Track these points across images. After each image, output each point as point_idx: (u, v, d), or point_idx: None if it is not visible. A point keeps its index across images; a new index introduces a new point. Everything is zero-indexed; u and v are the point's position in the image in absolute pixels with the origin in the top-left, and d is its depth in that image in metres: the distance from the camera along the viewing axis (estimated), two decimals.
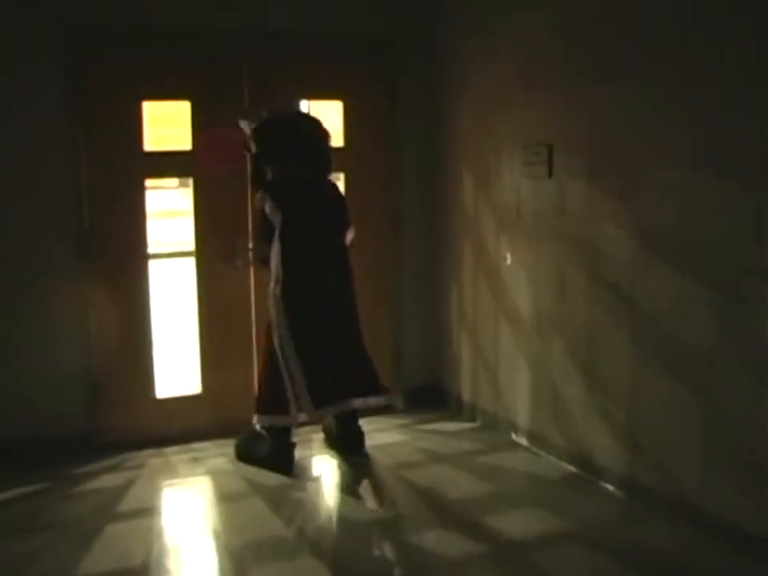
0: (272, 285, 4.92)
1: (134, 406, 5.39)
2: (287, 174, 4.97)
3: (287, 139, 4.96)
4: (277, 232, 4.86)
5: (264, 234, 4.99)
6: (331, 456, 5.23)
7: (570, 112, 4.68)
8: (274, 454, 4.96)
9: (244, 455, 5.09)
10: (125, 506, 4.53)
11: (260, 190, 4.98)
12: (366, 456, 5.15)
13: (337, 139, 5.89)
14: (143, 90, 5.33)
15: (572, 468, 4.81)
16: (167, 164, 5.56)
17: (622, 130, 4.32)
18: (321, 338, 4.92)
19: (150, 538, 4.15)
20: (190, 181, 5.62)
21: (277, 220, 4.84)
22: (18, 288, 5.04)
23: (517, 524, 4.15)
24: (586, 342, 4.66)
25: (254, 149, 5.05)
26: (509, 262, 5.27)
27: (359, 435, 5.19)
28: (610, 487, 4.51)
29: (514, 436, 5.32)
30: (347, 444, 5.20)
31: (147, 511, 4.46)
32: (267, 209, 4.87)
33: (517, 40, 5.09)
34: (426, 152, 6.02)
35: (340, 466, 5.11)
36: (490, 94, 5.39)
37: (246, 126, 5.07)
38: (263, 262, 5.08)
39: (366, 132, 5.90)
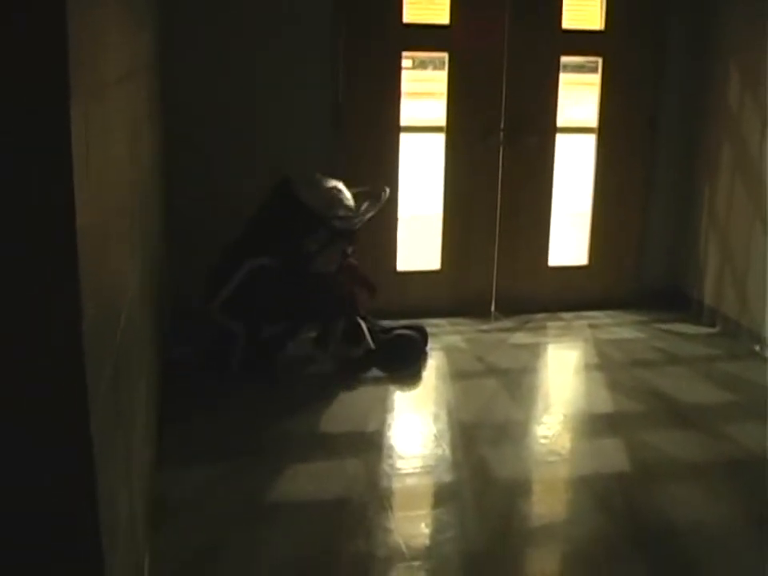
0: None
1: (376, 278, 5.22)
2: None
3: None
4: None
5: None
6: None
7: None
8: None
9: None
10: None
11: None
12: None
13: (596, 21, 5.67)
14: None
15: None
16: (424, 37, 5.53)
17: None
18: None
19: (384, 406, 4.35)
20: (443, 58, 5.55)
21: None
22: (277, 155, 5.17)
23: (756, 436, 4.02)
24: None
25: None
26: None
27: None
28: None
29: (757, 348, 5.11)
30: None
31: (382, 380, 4.63)
32: None
33: None
34: (691, 42, 5.67)
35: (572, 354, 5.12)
36: None
37: None
38: None
39: (627, 16, 5.60)
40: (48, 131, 1.51)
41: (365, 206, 4.70)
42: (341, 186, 4.69)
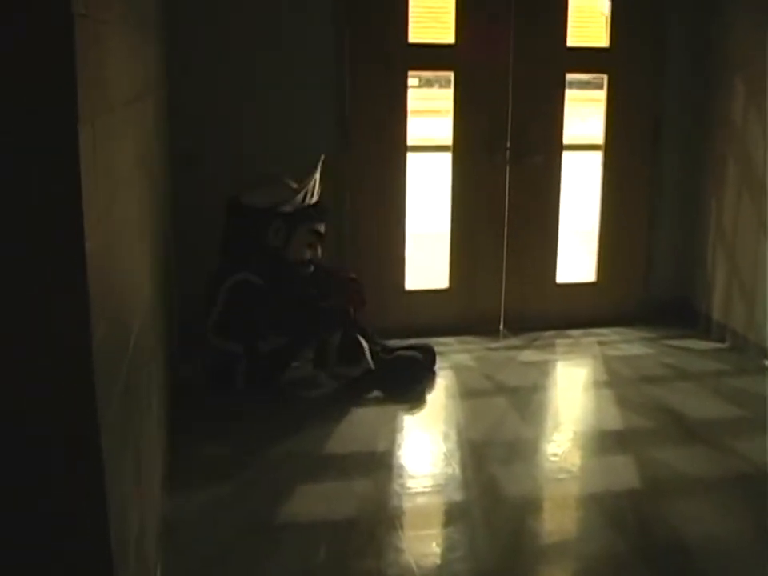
0: None
1: (383, 297, 5.41)
2: None
3: None
4: None
5: None
6: None
7: None
8: None
9: None
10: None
11: None
12: None
13: (600, 38, 5.70)
14: None
15: None
16: (430, 56, 5.57)
17: None
18: None
19: (393, 426, 4.35)
20: (449, 77, 5.58)
21: None
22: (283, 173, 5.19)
23: (764, 451, 4.01)
24: None
25: None
26: None
27: None
28: None
29: (765, 362, 5.10)
30: None
31: (390, 399, 4.61)
32: None
33: None
34: (696, 56, 5.69)
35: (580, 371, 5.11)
36: None
37: None
38: None
39: (632, 31, 5.63)
40: (55, 134, 1.54)
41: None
42: (277, 174, 4.75)
